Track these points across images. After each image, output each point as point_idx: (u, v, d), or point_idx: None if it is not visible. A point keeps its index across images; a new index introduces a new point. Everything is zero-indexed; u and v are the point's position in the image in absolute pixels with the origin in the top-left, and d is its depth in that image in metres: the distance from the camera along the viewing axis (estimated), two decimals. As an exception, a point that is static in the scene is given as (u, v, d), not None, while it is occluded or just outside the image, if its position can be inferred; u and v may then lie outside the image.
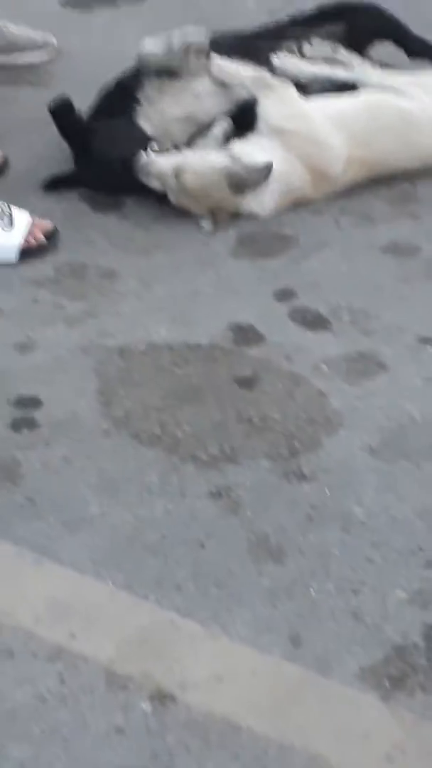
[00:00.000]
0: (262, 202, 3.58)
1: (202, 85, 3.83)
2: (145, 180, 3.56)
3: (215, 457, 2.82)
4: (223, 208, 3.55)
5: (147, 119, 3.79)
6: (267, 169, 3.51)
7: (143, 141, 3.68)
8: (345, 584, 2.51)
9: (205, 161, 3.55)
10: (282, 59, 3.91)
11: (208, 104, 3.82)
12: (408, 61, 4.14)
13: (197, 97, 3.83)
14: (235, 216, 3.58)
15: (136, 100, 3.78)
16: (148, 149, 3.59)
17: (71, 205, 3.67)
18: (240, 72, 3.77)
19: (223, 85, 3.80)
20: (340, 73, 3.93)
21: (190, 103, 3.82)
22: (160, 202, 3.61)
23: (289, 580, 2.53)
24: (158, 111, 3.81)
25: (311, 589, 2.50)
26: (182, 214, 3.61)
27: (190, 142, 3.75)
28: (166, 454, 2.83)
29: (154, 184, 3.56)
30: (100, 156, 3.72)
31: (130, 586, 2.52)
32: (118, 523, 2.66)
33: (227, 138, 3.76)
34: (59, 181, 3.75)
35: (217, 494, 2.73)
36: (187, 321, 3.24)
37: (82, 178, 3.75)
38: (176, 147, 3.72)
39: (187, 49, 3.76)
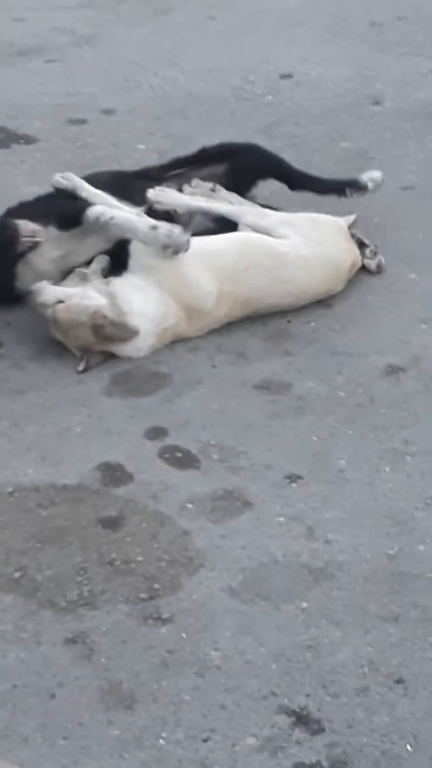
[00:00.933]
0: (137, 345, 3.61)
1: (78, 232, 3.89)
2: (35, 307, 3.62)
3: (74, 602, 2.79)
4: (93, 349, 3.57)
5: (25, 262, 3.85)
6: (133, 331, 3.56)
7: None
8: (195, 732, 2.47)
9: (82, 300, 3.59)
10: (158, 192, 3.98)
11: (86, 244, 3.88)
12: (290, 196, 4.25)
13: (77, 238, 3.88)
14: (110, 356, 3.61)
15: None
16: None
17: None
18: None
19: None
20: (215, 207, 3.99)
21: (70, 244, 3.87)
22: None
23: (139, 729, 2.48)
24: (37, 253, 3.86)
25: (160, 739, 2.46)
26: (58, 353, 3.63)
27: (62, 279, 3.80)
28: (24, 600, 2.79)
29: (41, 311, 3.61)
30: None
31: (-24, 740, 2.46)
32: (-31, 673, 2.61)
33: (104, 274, 3.82)
34: None
35: (72, 641, 2.69)
36: (56, 461, 3.23)
37: None
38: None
39: None
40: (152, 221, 3.72)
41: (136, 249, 3.70)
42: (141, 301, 3.61)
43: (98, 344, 3.57)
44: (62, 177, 3.99)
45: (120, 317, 3.55)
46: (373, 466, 3.20)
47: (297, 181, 4.29)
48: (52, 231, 3.85)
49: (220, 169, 4.23)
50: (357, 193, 4.24)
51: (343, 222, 3.99)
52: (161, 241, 3.67)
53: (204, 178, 4.19)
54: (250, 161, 4.28)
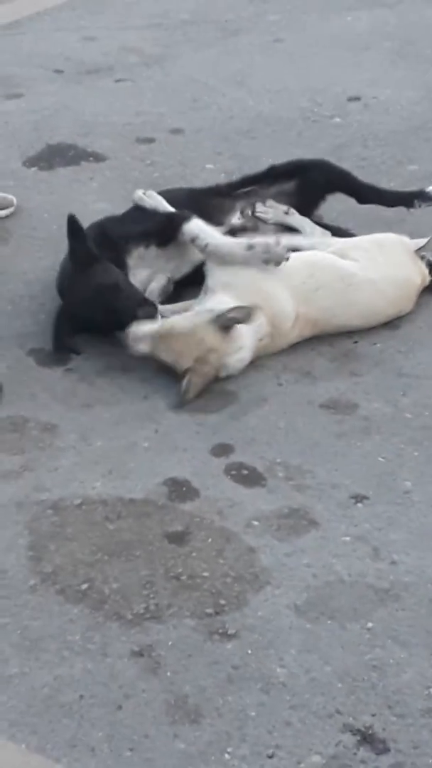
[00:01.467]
0: (241, 356, 3.61)
1: (172, 249, 3.95)
2: (134, 347, 3.61)
3: (140, 615, 2.81)
4: (207, 361, 3.55)
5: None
6: (249, 310, 3.57)
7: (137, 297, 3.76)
8: (260, 748, 2.48)
9: (185, 315, 3.63)
10: (266, 208, 4.11)
11: (171, 266, 3.94)
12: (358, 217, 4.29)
13: (165, 259, 3.94)
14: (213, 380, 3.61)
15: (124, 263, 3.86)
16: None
17: (18, 360, 3.73)
18: None
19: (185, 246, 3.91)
20: (301, 240, 4.03)
21: (158, 263, 3.93)
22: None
23: (204, 743, 2.50)
24: (135, 274, 3.90)
25: (226, 754, 2.47)
26: (126, 369, 3.67)
27: None
28: (91, 612, 2.82)
29: (142, 348, 3.61)
30: (101, 283, 3.72)
31: (43, 749, 2.49)
32: (37, 683, 2.64)
33: (165, 293, 3.86)
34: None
35: (138, 653, 2.71)
36: (123, 475, 3.26)
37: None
38: None
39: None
40: (246, 241, 3.78)
41: (212, 270, 3.74)
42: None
43: (218, 346, 3.55)
44: (145, 194, 4.04)
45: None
46: (439, 488, 3.20)
47: (365, 194, 4.34)
48: (153, 250, 3.91)
49: (289, 185, 4.28)
50: (425, 204, 4.28)
51: (408, 241, 4.00)
52: (261, 257, 3.74)
53: (273, 196, 4.23)
54: (318, 177, 4.31)
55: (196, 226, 3.85)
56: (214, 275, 3.76)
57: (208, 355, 3.55)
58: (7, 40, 6.28)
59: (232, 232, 4.00)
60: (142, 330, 3.61)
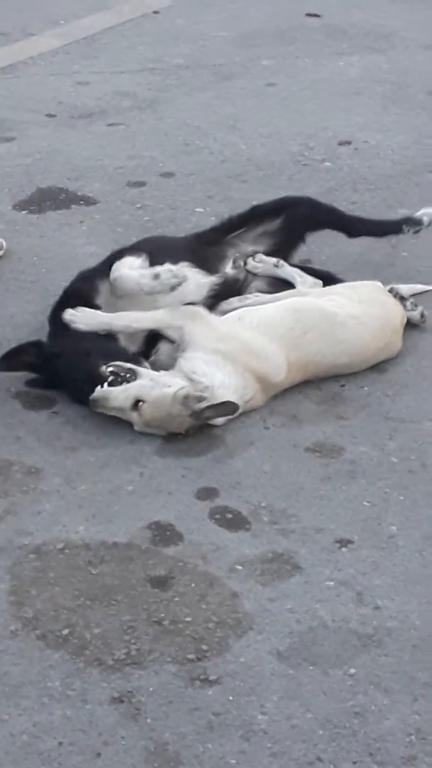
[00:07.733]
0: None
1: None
2: (103, 411, 3.55)
3: (121, 661, 2.79)
4: (184, 428, 3.55)
5: None
6: (234, 407, 3.52)
7: (111, 352, 3.72)
8: (240, 797, 2.45)
9: (161, 389, 3.51)
10: (256, 262, 4.15)
11: (163, 303, 3.91)
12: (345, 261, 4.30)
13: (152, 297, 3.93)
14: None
15: (95, 306, 3.85)
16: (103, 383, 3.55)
17: (3, 402, 3.72)
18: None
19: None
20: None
21: (148, 303, 3.91)
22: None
23: (183, 792, 2.47)
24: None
25: (204, 802, 2.45)
26: (112, 412, 3.67)
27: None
28: (72, 657, 2.80)
29: (114, 413, 3.55)
30: (69, 374, 3.68)
31: (20, 797, 2.46)
32: (16, 729, 2.61)
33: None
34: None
35: (119, 700, 2.69)
36: (107, 519, 3.24)
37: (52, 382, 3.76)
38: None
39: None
40: (153, 270, 3.85)
41: (196, 336, 3.67)
42: (220, 375, 3.58)
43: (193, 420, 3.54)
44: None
45: (209, 393, 3.50)
46: (425, 532, 3.18)
47: (354, 227, 4.36)
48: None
49: (275, 224, 4.29)
50: (413, 228, 4.33)
51: (379, 283, 4.03)
52: (169, 284, 3.84)
53: (259, 236, 4.25)
54: (304, 213, 4.32)
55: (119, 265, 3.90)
56: (201, 343, 3.66)
57: (184, 424, 3.53)
58: (0, 84, 6.33)
59: (227, 281, 4.04)
60: (109, 401, 3.52)
